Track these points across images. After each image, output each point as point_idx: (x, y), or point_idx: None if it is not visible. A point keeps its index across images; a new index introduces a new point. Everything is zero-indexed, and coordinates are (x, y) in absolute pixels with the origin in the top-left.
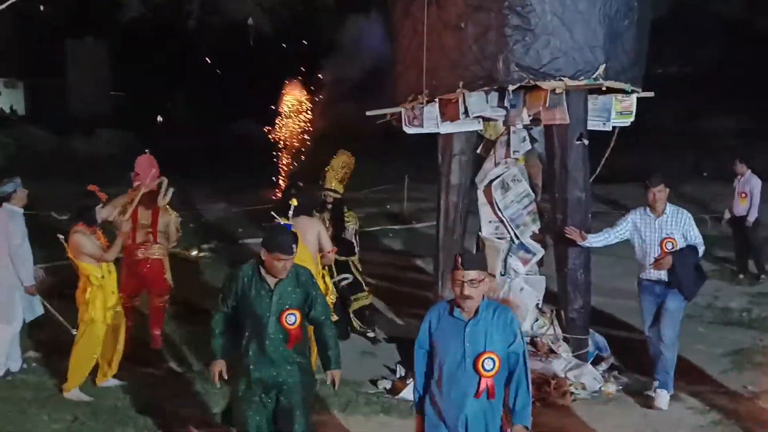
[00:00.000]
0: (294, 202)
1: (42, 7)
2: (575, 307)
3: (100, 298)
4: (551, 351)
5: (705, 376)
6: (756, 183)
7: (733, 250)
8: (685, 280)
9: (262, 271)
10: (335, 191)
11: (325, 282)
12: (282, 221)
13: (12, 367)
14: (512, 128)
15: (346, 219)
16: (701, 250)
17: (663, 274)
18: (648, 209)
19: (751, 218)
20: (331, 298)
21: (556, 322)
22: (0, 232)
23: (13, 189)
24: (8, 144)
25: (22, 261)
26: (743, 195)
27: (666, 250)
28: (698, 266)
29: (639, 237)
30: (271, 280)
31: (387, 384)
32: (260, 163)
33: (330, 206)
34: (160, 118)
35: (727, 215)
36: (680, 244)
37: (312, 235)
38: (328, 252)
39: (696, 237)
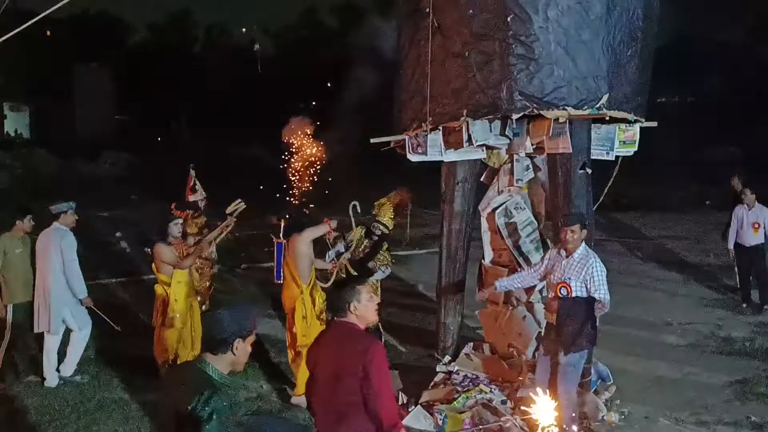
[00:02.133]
0: (282, 222)
1: (49, 33)
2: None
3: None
4: None
5: (708, 406)
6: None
7: (738, 279)
8: (566, 331)
9: None
10: (385, 226)
11: (312, 296)
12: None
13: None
14: (515, 156)
15: (380, 255)
16: (602, 306)
17: None
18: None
19: None
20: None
21: None
22: (52, 249)
23: (67, 209)
24: (13, 166)
25: (76, 275)
26: (756, 226)
27: (559, 295)
28: (586, 322)
29: (549, 276)
30: None
31: None
32: (265, 187)
33: (375, 237)
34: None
35: (731, 245)
36: (577, 291)
37: (303, 247)
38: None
39: (597, 290)
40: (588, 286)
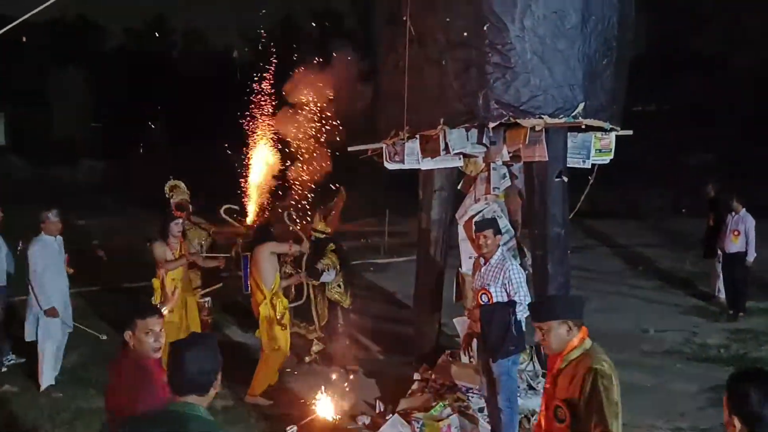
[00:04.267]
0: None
1: (24, 38)
2: None
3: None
4: (530, 387)
5: (683, 413)
6: (751, 222)
7: (724, 287)
8: (490, 337)
9: None
10: (320, 231)
11: (273, 302)
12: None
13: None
14: (492, 165)
15: (325, 259)
16: (522, 308)
17: None
18: None
19: (750, 257)
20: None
21: (535, 358)
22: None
23: (54, 219)
24: None
25: (38, 285)
26: (736, 233)
27: (480, 302)
28: (509, 325)
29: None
30: None
31: (366, 420)
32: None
33: (313, 241)
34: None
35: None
36: (497, 296)
37: (264, 256)
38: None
39: (516, 292)
40: (507, 290)
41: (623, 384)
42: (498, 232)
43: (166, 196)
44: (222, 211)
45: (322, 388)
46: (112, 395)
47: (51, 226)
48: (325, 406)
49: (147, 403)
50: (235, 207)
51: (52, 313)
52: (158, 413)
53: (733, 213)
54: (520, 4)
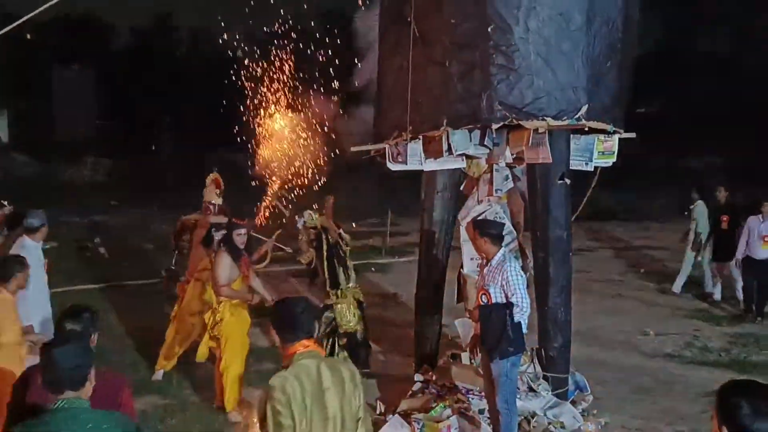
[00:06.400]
0: None
1: (29, 35)
2: (555, 345)
3: None
4: (531, 389)
5: (684, 416)
6: None
7: (743, 290)
8: (488, 339)
9: None
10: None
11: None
12: None
13: None
14: (495, 166)
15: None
16: (519, 309)
17: None
18: None
19: None
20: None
21: (536, 360)
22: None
23: (41, 224)
24: None
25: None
26: (766, 239)
27: (480, 302)
28: (506, 326)
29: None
30: None
31: None
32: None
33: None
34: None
35: (739, 255)
36: (496, 297)
37: (222, 260)
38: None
39: (513, 293)
40: (506, 291)
41: (624, 387)
42: (493, 234)
43: (209, 190)
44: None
45: None
46: None
47: (36, 232)
48: None
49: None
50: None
51: (27, 330)
52: (45, 415)
53: (762, 217)
54: (525, 6)
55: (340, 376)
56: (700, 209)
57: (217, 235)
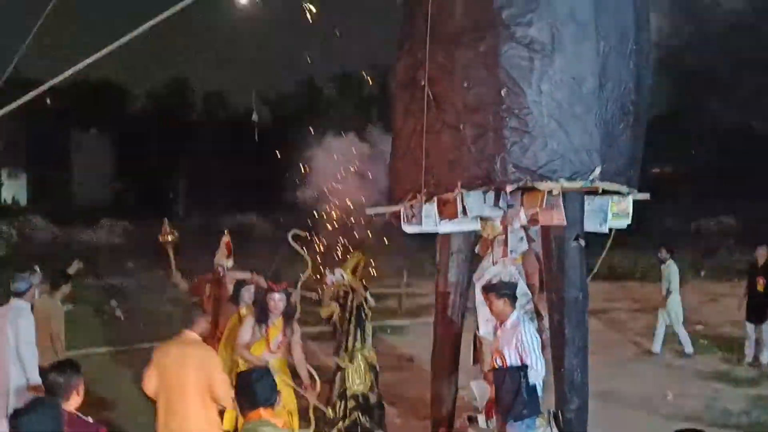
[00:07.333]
0: None
1: (49, 100)
2: (572, 407)
3: None
4: None
5: None
6: None
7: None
8: (502, 401)
9: None
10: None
11: None
12: None
13: None
14: (510, 228)
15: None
16: (533, 372)
17: None
18: None
19: None
20: None
21: (553, 423)
22: (7, 330)
23: (28, 286)
24: (10, 234)
25: (32, 357)
26: None
27: (495, 365)
28: (521, 389)
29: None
30: None
31: None
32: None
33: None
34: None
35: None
36: (510, 360)
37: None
38: None
39: (528, 356)
40: (520, 353)
41: None
42: (506, 296)
43: (221, 253)
44: (290, 236)
45: None
46: None
47: (32, 292)
48: None
49: None
50: (302, 233)
51: (39, 390)
52: None
53: None
54: (538, 69)
55: None
56: (672, 268)
57: (245, 292)
